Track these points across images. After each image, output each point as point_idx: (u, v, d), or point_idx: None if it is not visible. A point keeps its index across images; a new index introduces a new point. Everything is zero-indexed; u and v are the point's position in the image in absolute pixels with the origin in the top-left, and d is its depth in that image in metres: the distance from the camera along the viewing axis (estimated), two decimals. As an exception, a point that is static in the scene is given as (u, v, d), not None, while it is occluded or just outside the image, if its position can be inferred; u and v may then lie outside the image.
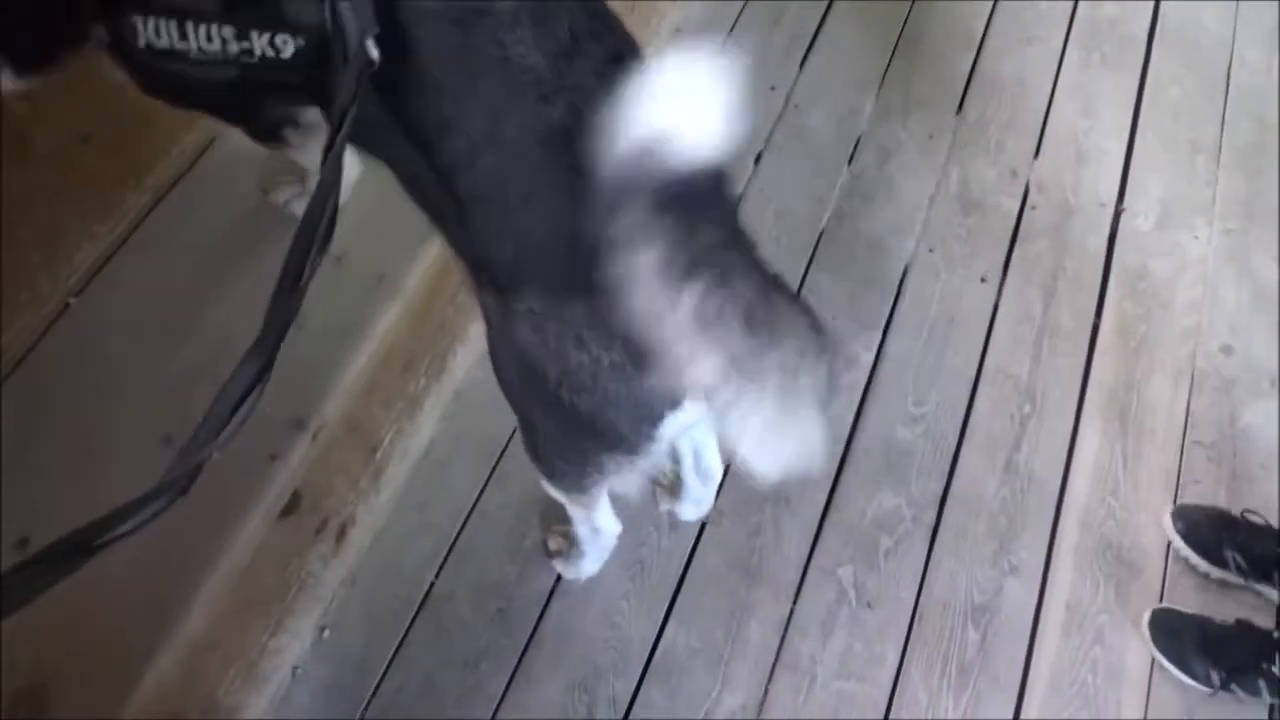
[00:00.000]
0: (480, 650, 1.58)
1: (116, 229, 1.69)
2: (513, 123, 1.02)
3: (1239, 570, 1.68)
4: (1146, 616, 1.66)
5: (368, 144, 1.21)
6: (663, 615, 1.63)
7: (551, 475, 1.31)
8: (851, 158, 2.18)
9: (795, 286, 1.93)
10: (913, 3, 2.43)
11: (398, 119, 1.10)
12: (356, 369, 1.66)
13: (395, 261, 1.74)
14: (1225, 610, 1.67)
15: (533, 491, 1.33)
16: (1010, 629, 1.67)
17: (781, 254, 1.98)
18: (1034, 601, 1.70)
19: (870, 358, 1.91)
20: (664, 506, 1.69)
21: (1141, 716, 1.61)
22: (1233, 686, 1.58)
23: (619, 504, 1.51)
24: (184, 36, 1.14)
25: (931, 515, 1.76)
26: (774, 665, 1.61)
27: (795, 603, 1.66)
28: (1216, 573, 1.70)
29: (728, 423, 0.91)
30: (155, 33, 1.15)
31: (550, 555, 1.64)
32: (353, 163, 1.40)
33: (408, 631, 1.58)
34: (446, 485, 1.70)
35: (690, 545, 1.69)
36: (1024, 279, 2.05)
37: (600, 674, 1.58)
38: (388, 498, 1.67)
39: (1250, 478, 1.83)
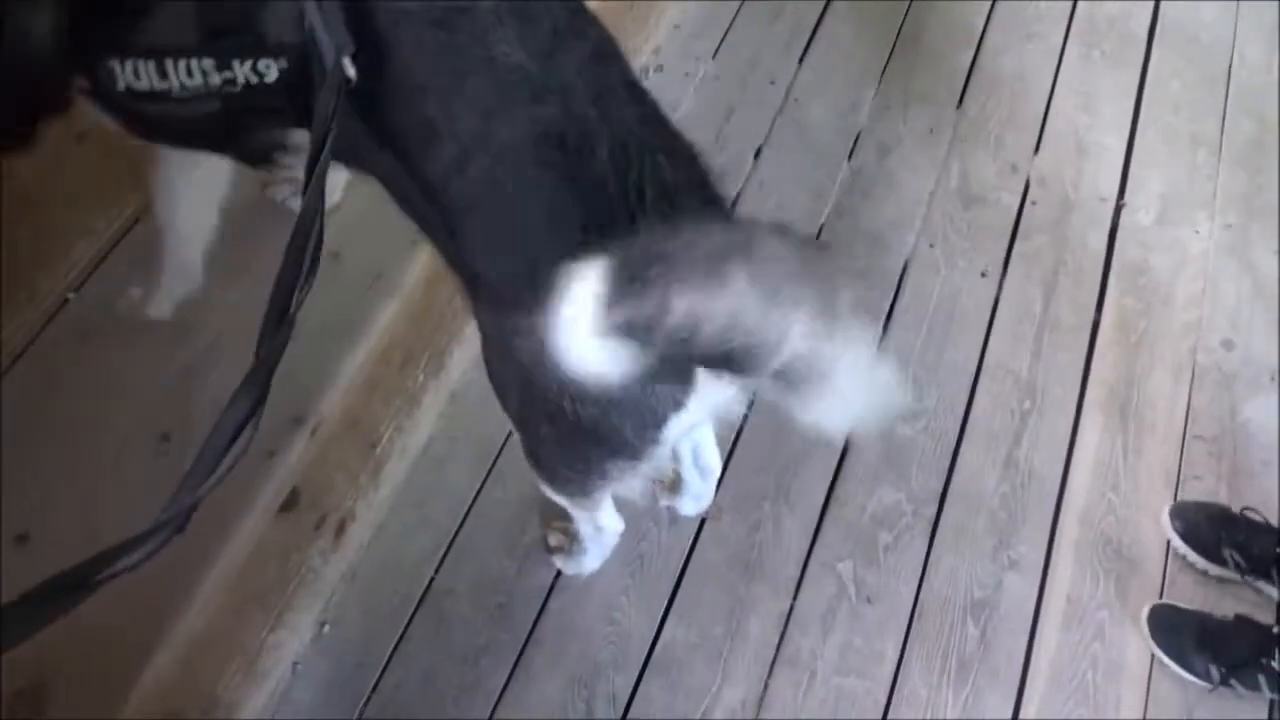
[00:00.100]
0: (480, 646, 1.58)
1: (114, 225, 1.68)
2: (505, 123, 1.00)
3: (1238, 568, 1.68)
4: (1146, 612, 1.66)
5: (355, 162, 1.18)
6: (662, 610, 1.63)
7: (554, 483, 1.30)
8: (851, 152, 2.18)
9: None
10: (912, -2, 2.43)
11: (382, 133, 1.07)
12: (355, 366, 1.66)
13: (392, 259, 1.74)
14: (1225, 606, 1.67)
15: (531, 488, 1.33)
16: (1010, 624, 1.67)
17: (781, 249, 1.97)
18: (1034, 597, 1.70)
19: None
20: (664, 502, 1.68)
21: (1141, 712, 1.61)
22: (1232, 682, 1.58)
23: (619, 500, 1.51)
24: (164, 75, 1.10)
25: (931, 510, 1.76)
26: (774, 661, 1.61)
27: (795, 598, 1.66)
28: (1215, 570, 1.70)
29: (818, 381, 0.85)
30: (134, 75, 1.11)
31: (550, 551, 1.64)
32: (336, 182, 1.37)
33: (407, 627, 1.58)
34: (445, 481, 1.70)
35: (690, 540, 1.69)
36: (1024, 274, 2.04)
37: (600, 669, 1.58)
38: (387, 494, 1.67)
39: (1251, 473, 1.83)
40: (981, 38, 2.39)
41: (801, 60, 2.30)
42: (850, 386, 0.86)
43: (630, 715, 1.55)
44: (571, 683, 1.56)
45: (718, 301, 0.79)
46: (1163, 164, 2.24)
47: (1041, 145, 2.24)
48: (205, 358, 1.56)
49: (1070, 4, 2.48)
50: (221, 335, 1.57)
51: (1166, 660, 1.63)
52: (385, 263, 1.73)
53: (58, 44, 1.11)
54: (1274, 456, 1.84)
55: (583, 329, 0.82)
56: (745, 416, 1.78)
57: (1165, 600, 1.68)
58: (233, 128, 1.22)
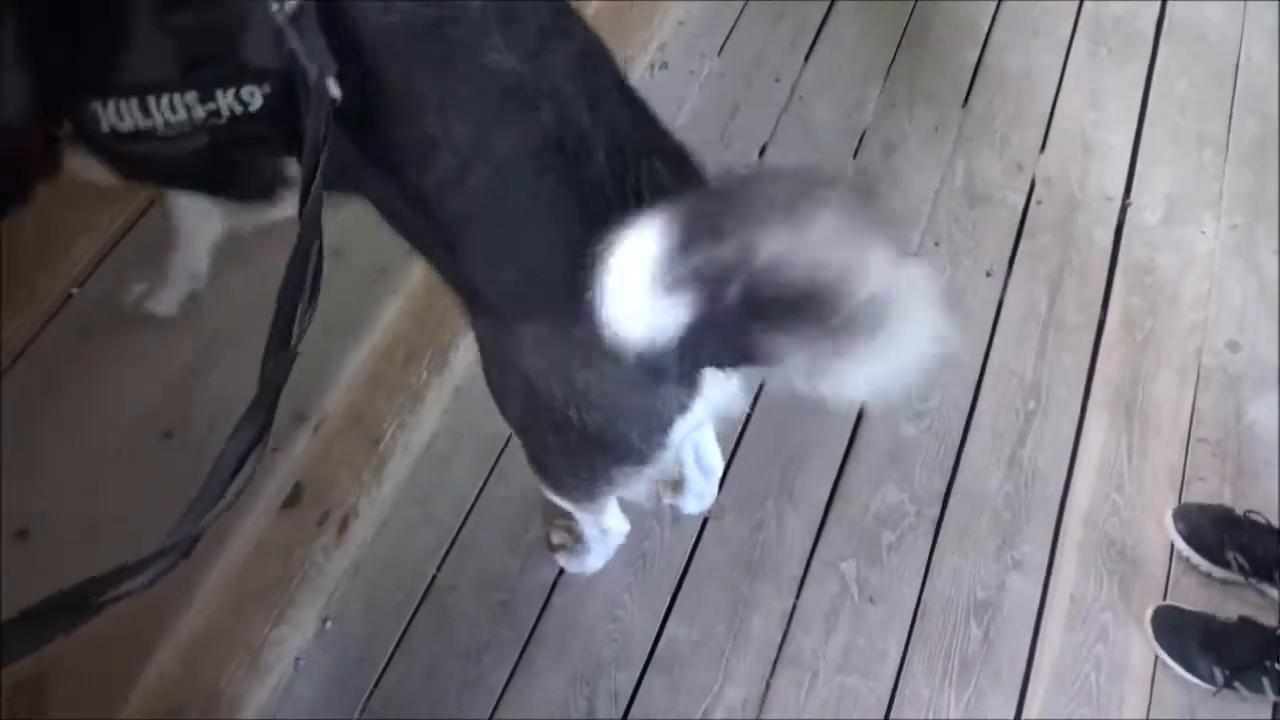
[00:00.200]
0: (482, 642, 1.58)
1: (117, 221, 1.68)
2: (501, 131, 0.99)
3: (1241, 571, 1.67)
4: (1149, 613, 1.65)
5: (347, 186, 1.14)
6: (665, 609, 1.63)
7: (559, 489, 1.29)
8: (856, 151, 2.18)
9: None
10: (918, -4, 2.42)
11: (373, 150, 1.05)
12: (358, 362, 1.66)
13: (395, 255, 1.72)
14: (1229, 608, 1.66)
15: (534, 486, 1.33)
16: (1013, 625, 1.67)
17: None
18: (1037, 598, 1.69)
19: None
20: (666, 500, 1.68)
21: (1144, 714, 1.61)
22: (1236, 684, 1.58)
23: (623, 501, 1.51)
24: (147, 113, 1.07)
25: (935, 510, 1.76)
26: (776, 660, 1.61)
27: (797, 597, 1.66)
28: (1219, 573, 1.69)
29: (879, 327, 0.86)
30: (117, 115, 1.08)
31: (553, 549, 1.64)
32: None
33: (410, 623, 1.58)
34: (449, 478, 1.70)
35: (693, 539, 1.69)
36: (1029, 273, 2.04)
37: (602, 667, 1.58)
38: (390, 490, 1.66)
39: (1255, 474, 1.82)
40: (987, 36, 2.38)
41: (807, 58, 2.29)
42: (909, 332, 0.88)
43: (632, 713, 1.55)
44: (574, 680, 1.56)
45: (806, 237, 0.80)
46: (1169, 163, 2.23)
47: (1047, 144, 2.23)
48: (207, 355, 1.56)
49: (1077, 2, 2.47)
50: (223, 333, 1.57)
51: (1170, 662, 1.62)
52: (388, 259, 1.73)
53: (29, 103, 1.08)
54: (1278, 459, 1.83)
55: (635, 294, 0.83)
56: (749, 415, 1.78)
57: (1169, 602, 1.68)
58: (221, 164, 1.19)
